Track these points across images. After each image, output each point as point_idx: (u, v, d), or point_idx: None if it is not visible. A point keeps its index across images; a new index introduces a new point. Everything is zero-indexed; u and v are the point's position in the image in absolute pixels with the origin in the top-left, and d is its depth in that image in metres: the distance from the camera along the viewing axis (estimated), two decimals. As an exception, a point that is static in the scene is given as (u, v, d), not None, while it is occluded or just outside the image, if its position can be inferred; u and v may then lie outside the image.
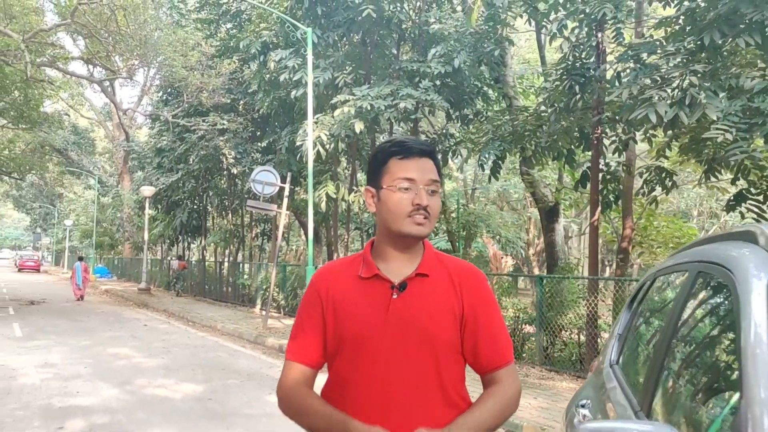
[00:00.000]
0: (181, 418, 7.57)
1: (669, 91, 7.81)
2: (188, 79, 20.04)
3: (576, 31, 9.94)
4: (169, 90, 26.25)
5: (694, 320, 2.19)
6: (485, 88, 16.24)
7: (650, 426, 1.65)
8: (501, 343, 2.07)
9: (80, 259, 29.51)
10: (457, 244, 23.06)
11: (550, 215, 17.19)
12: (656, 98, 7.82)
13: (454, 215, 23.80)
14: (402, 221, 2.02)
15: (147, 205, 30.54)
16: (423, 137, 17.49)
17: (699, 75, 7.75)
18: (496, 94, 16.65)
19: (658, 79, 8.00)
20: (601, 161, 11.47)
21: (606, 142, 11.51)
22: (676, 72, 7.84)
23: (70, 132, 44.76)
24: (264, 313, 18.09)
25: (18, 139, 31.26)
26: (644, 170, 10.58)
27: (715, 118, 7.52)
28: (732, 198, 9.05)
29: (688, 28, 9.01)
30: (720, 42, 7.79)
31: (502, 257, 35.58)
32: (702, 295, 2.21)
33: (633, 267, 28.12)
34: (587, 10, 8.92)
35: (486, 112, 16.04)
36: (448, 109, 15.55)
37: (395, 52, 17.23)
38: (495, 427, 1.98)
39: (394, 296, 2.03)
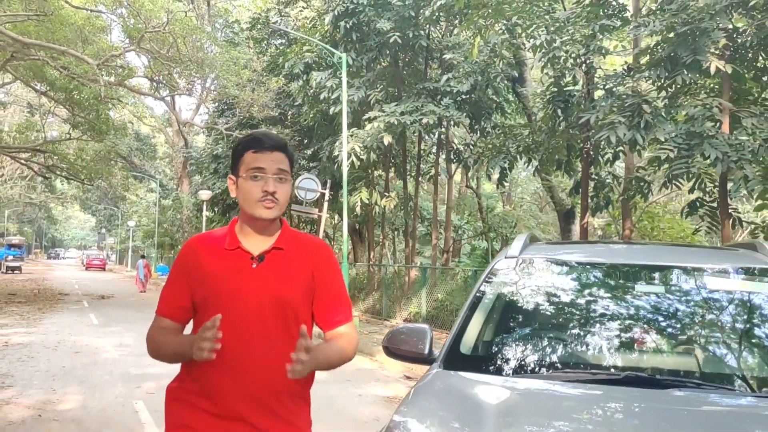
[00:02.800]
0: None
1: (627, 116, 9.43)
2: (240, 95, 22.23)
3: (557, 66, 11.55)
4: (224, 102, 28.54)
5: None
6: (503, 104, 17.88)
7: (419, 325, 3.35)
8: (344, 305, 2.47)
9: (142, 257, 32.90)
10: (491, 243, 24.69)
11: (566, 217, 18.71)
12: (617, 122, 9.46)
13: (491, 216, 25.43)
14: (253, 205, 2.34)
15: (204, 207, 32.92)
16: (450, 148, 19.25)
17: (652, 103, 9.35)
18: (512, 108, 18.27)
19: (616, 107, 9.62)
20: (595, 170, 13.03)
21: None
22: (633, 100, 9.46)
23: (134, 139, 47.72)
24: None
25: (87, 147, 33.86)
26: (624, 180, 12.15)
27: (663, 140, 9.12)
28: (687, 206, 10.62)
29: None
30: (664, 77, 9.37)
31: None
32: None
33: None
34: (564, 51, 10.55)
35: (503, 125, 17.68)
36: (471, 122, 17.28)
37: (423, 68, 19.01)
38: (337, 364, 2.37)
39: (254, 266, 2.36)
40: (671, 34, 9.32)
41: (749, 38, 9.27)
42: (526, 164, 14.32)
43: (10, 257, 49.83)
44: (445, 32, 17.88)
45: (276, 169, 2.34)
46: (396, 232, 28.00)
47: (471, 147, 18.24)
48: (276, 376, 2.23)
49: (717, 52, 9.33)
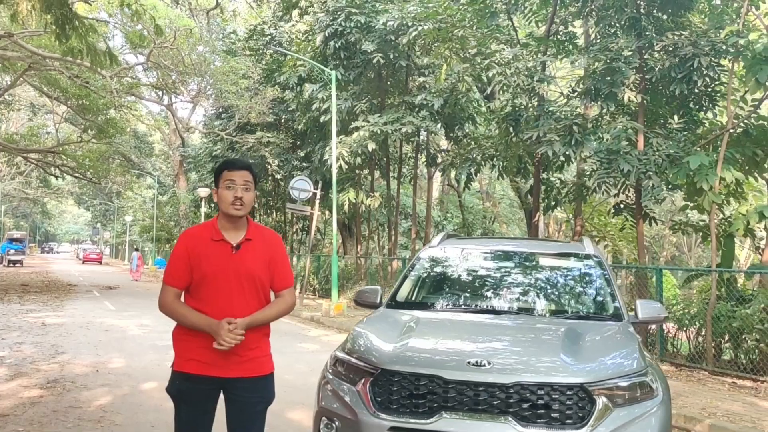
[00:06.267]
0: (240, 351, 11.71)
1: (561, 134, 11.69)
2: (238, 104, 24.45)
3: (508, 91, 13.81)
4: (222, 106, 30.65)
5: None
6: (474, 115, 20.13)
7: (375, 286, 5.56)
8: (287, 276, 3.49)
9: (136, 249, 35.48)
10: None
11: (531, 215, 20.95)
12: (553, 139, 11.71)
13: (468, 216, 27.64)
14: (228, 207, 3.30)
15: (203, 204, 35.04)
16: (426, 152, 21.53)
17: (581, 124, 11.63)
18: (484, 119, 20.52)
19: (554, 126, 11.90)
20: (547, 176, 15.28)
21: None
22: (565, 122, 11.72)
23: (132, 137, 49.58)
24: (301, 294, 22.40)
25: (93, 148, 35.64)
26: (566, 185, 14.45)
27: (588, 155, 11.39)
28: (613, 207, 12.95)
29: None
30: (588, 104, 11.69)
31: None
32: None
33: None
34: (513, 80, 12.81)
35: (474, 134, 19.93)
36: (446, 131, 19.56)
37: (405, 81, 21.22)
38: (274, 318, 3.41)
39: (234, 252, 3.32)
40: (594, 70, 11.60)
41: (657, 74, 11.54)
42: (491, 170, 16.57)
43: (12, 251, 51.67)
44: (421, 54, 20.10)
45: (243, 182, 3.34)
46: (382, 228, 30.24)
47: (444, 153, 20.52)
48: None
49: (635, 82, 11.64)
